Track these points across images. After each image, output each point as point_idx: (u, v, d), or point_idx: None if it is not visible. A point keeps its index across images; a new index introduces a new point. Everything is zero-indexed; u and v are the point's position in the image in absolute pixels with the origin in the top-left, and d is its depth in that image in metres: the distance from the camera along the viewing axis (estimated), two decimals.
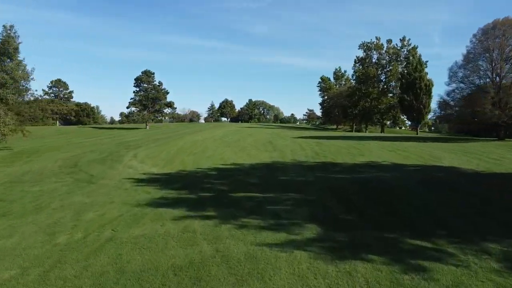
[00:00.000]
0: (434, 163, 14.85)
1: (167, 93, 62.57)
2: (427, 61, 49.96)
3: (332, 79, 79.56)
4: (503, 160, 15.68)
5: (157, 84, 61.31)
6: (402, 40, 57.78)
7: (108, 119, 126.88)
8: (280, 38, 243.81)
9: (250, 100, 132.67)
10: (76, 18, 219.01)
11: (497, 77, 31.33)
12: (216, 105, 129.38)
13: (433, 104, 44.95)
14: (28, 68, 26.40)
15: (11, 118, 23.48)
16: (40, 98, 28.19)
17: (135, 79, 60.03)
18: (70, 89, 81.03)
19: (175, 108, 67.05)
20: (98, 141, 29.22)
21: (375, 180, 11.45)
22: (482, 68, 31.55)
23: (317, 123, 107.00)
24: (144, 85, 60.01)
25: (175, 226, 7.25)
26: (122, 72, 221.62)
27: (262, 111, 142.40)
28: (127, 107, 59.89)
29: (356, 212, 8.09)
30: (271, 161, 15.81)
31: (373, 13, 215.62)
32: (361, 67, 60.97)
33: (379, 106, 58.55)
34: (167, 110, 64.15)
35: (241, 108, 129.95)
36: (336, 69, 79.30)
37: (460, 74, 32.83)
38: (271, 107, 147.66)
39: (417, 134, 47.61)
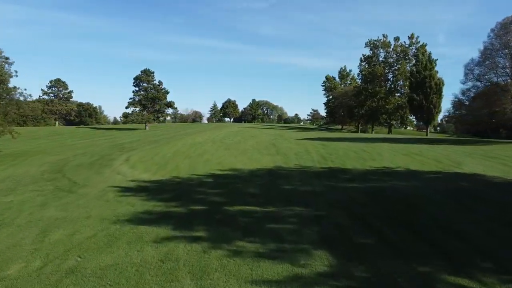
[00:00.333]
0: (455, 169, 13.37)
1: (167, 92, 61.72)
2: (436, 59, 47.95)
3: (337, 78, 77.84)
4: None
5: (157, 83, 60.45)
6: (411, 37, 55.52)
7: (112, 119, 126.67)
8: (285, 37, 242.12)
9: (253, 100, 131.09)
10: (77, 18, 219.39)
11: None
12: (219, 105, 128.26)
13: (444, 104, 43.08)
14: (7, 66, 24.86)
15: None
16: (30, 97, 26.80)
17: (134, 79, 59.28)
18: (70, 88, 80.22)
19: (176, 108, 66.13)
20: (92, 143, 28.05)
21: (391, 191, 10.06)
22: (500, 65, 29.63)
23: (321, 123, 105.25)
24: (144, 84, 59.11)
25: (155, 251, 6.00)
26: (127, 72, 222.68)
27: (266, 111, 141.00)
28: (126, 107, 59.06)
29: (374, 233, 6.77)
30: (273, 166, 14.45)
31: (379, 13, 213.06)
32: (367, 65, 59.08)
33: (387, 106, 56.58)
34: (168, 110, 63.20)
35: (244, 108, 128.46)
36: (341, 68, 77.62)
37: (477, 72, 31.08)
38: (274, 107, 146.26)
39: (427, 135, 45.77)
